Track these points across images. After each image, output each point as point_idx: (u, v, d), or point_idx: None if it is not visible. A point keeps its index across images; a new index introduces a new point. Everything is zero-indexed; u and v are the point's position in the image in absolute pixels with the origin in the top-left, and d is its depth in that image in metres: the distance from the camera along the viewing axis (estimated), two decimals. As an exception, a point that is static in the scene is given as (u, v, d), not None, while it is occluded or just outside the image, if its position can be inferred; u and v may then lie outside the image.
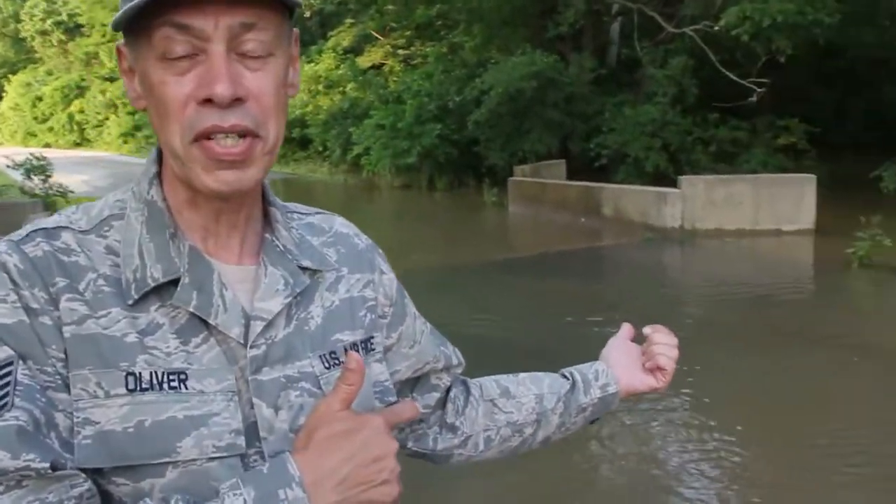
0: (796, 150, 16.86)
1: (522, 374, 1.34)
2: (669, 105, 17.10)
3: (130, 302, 0.88)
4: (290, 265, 0.99)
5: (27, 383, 0.82)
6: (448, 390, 1.27)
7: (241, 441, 0.89)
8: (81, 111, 49.89)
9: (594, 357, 1.39)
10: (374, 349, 1.08)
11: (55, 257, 0.88)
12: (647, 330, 1.36)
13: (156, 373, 0.87)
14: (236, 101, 0.86)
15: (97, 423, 0.85)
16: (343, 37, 29.91)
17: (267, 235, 1.00)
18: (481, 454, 1.30)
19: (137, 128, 42.46)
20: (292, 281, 0.98)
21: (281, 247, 1.00)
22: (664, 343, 1.34)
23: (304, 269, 1.01)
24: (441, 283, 9.42)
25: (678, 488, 4.28)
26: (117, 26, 0.88)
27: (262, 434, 0.91)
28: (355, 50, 29.60)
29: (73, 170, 28.96)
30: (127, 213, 0.94)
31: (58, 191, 16.05)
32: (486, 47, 22.46)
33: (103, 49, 44.61)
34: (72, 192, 16.77)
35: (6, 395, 0.81)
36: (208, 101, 0.85)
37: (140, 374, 0.86)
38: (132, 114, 43.12)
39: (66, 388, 0.85)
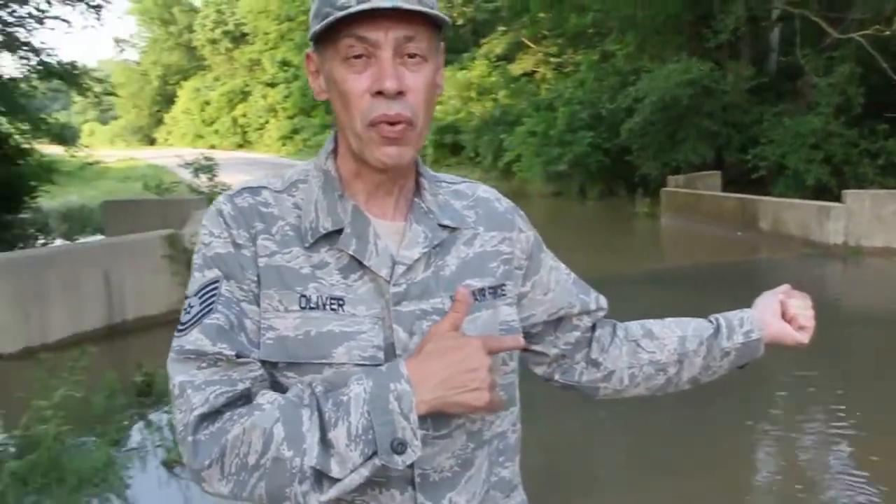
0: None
1: (669, 319, 1.49)
2: (833, 115, 16.42)
3: (307, 245, 1.16)
4: (430, 223, 1.22)
5: (227, 296, 1.13)
6: (591, 331, 1.45)
7: (381, 354, 1.13)
8: (244, 115, 52.54)
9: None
10: (504, 294, 1.28)
11: (256, 208, 1.18)
12: (781, 296, 1.49)
13: (321, 297, 1.14)
14: (399, 94, 1.11)
15: (277, 329, 1.13)
16: (495, 44, 30.26)
17: (415, 199, 1.25)
18: (627, 389, 1.46)
19: (295, 131, 44.25)
20: (431, 235, 1.21)
21: (425, 208, 1.24)
22: (800, 304, 1.47)
23: (443, 226, 1.24)
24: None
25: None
26: (314, 37, 1.15)
27: (397, 352, 1.14)
28: (507, 57, 29.90)
29: (235, 170, 30.53)
30: (309, 178, 1.23)
31: (221, 189, 16.94)
32: (639, 55, 22.27)
33: (266, 56, 46.80)
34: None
35: (213, 302, 1.12)
36: (379, 94, 1.11)
37: (310, 296, 1.14)
38: (291, 118, 44.99)
39: (257, 302, 1.14)
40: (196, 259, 1.18)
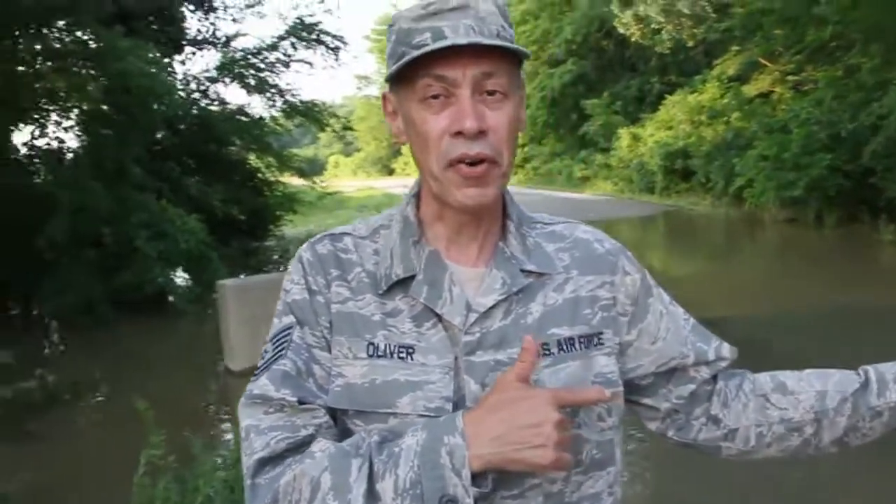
0: None
1: (809, 370, 1.30)
2: None
3: (381, 291, 1.15)
4: (512, 269, 1.17)
5: (297, 342, 1.14)
6: (712, 383, 1.30)
7: (449, 406, 1.09)
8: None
9: None
10: (601, 344, 1.20)
11: (335, 255, 1.19)
12: None
13: (389, 345, 1.13)
14: (480, 134, 1.08)
15: (346, 377, 1.13)
16: (728, 65, 29.07)
17: (500, 244, 1.20)
18: (754, 450, 1.29)
19: (526, 160, 44.70)
20: (510, 281, 1.16)
21: (509, 253, 1.18)
22: None
23: (527, 272, 1.18)
24: (828, 329, 8.82)
25: None
26: (391, 78, 1.13)
27: (468, 404, 1.09)
28: (741, 78, 28.66)
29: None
30: (392, 224, 1.21)
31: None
32: (888, 67, 20.58)
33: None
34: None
35: (284, 348, 1.14)
36: (459, 134, 1.08)
37: (378, 344, 1.13)
38: (522, 146, 45.50)
39: (328, 349, 1.14)
40: (278, 305, 1.20)
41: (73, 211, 11.06)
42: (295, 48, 19.31)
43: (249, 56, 18.81)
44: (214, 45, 19.05)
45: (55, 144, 13.19)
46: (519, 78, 1.15)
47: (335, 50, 19.73)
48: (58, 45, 12.78)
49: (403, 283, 1.15)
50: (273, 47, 18.98)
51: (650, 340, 1.26)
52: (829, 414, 1.25)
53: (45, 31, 12.62)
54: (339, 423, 1.13)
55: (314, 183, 21.79)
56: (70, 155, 13.17)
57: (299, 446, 1.08)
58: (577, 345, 1.17)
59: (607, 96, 35.85)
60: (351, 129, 26.04)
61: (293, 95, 19.52)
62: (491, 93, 1.09)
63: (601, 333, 1.20)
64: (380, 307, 1.15)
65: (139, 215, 11.81)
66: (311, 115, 20.22)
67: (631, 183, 32.25)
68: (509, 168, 1.14)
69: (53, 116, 13.33)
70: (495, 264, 1.17)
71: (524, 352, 1.05)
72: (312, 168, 23.31)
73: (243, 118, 18.77)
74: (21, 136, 12.97)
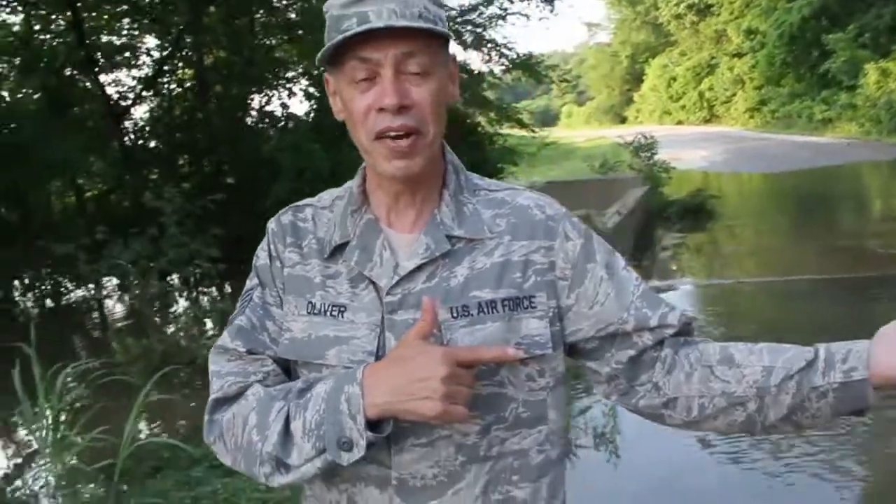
0: None
1: (763, 344, 1.25)
2: None
3: (325, 256, 1.28)
4: (438, 234, 1.25)
5: (255, 301, 1.31)
6: (657, 349, 1.28)
7: (371, 359, 1.19)
8: (710, 88, 51.62)
9: None
10: (533, 307, 1.24)
11: (294, 224, 1.33)
12: None
13: (325, 304, 1.26)
14: (403, 109, 1.17)
15: (292, 331, 1.27)
16: None
17: (435, 211, 1.27)
18: (698, 421, 1.27)
19: (763, 102, 42.36)
20: (434, 246, 1.24)
21: (439, 220, 1.26)
22: None
23: (456, 237, 1.25)
24: None
25: None
26: (321, 62, 1.23)
27: None
28: None
29: (697, 145, 30.37)
30: (345, 194, 1.33)
31: (661, 167, 16.89)
32: None
33: (731, 26, 45.38)
34: (673, 167, 17.33)
35: (245, 306, 1.30)
36: (382, 110, 1.17)
37: (315, 303, 1.26)
38: (758, 88, 43.11)
39: (281, 306, 1.29)
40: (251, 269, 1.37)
41: (295, 173, 11.94)
42: (511, 1, 19.36)
43: (466, 13, 19.08)
44: (432, 3, 19.43)
45: (280, 111, 14.17)
46: (445, 55, 1.24)
47: (549, 1, 19.59)
48: (290, 17, 13.64)
49: (342, 249, 1.28)
50: (489, 2, 19.12)
51: (587, 305, 1.27)
52: (770, 391, 1.20)
53: (276, 4, 13.55)
54: (294, 372, 1.29)
55: (534, 133, 21.81)
56: (292, 121, 14.02)
57: (247, 390, 1.25)
58: (499, 307, 1.22)
59: (853, 29, 32.92)
60: (567, 80, 25.63)
61: (509, 49, 19.62)
62: (413, 70, 1.18)
63: (533, 297, 1.25)
64: (322, 270, 1.28)
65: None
66: (527, 68, 20.24)
67: (879, 123, 29.65)
68: (436, 138, 1.23)
69: (283, 85, 14.33)
70: (425, 230, 1.26)
71: (423, 312, 1.14)
72: (545, 119, 23.27)
73: (463, 75, 19.10)
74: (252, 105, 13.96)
